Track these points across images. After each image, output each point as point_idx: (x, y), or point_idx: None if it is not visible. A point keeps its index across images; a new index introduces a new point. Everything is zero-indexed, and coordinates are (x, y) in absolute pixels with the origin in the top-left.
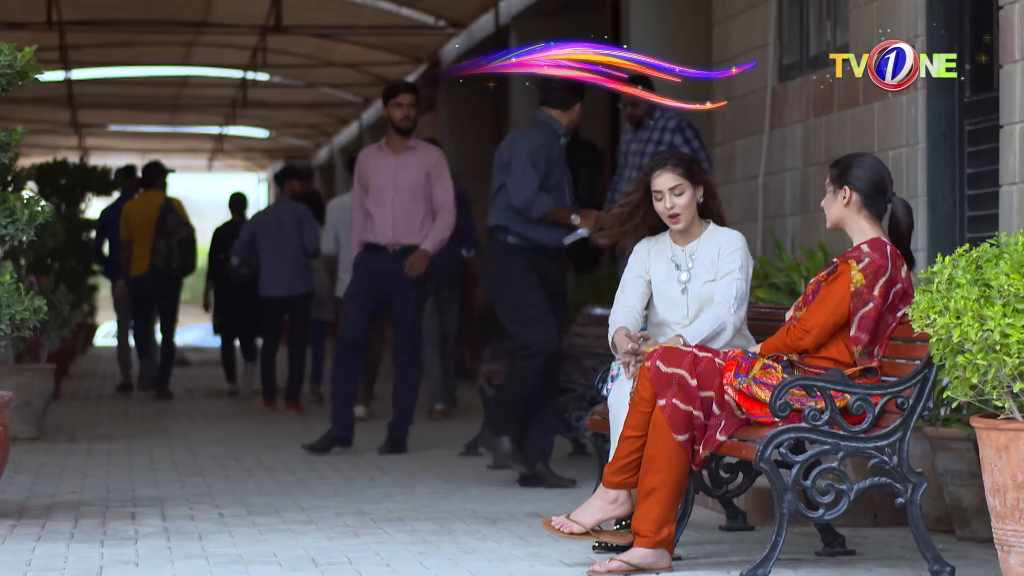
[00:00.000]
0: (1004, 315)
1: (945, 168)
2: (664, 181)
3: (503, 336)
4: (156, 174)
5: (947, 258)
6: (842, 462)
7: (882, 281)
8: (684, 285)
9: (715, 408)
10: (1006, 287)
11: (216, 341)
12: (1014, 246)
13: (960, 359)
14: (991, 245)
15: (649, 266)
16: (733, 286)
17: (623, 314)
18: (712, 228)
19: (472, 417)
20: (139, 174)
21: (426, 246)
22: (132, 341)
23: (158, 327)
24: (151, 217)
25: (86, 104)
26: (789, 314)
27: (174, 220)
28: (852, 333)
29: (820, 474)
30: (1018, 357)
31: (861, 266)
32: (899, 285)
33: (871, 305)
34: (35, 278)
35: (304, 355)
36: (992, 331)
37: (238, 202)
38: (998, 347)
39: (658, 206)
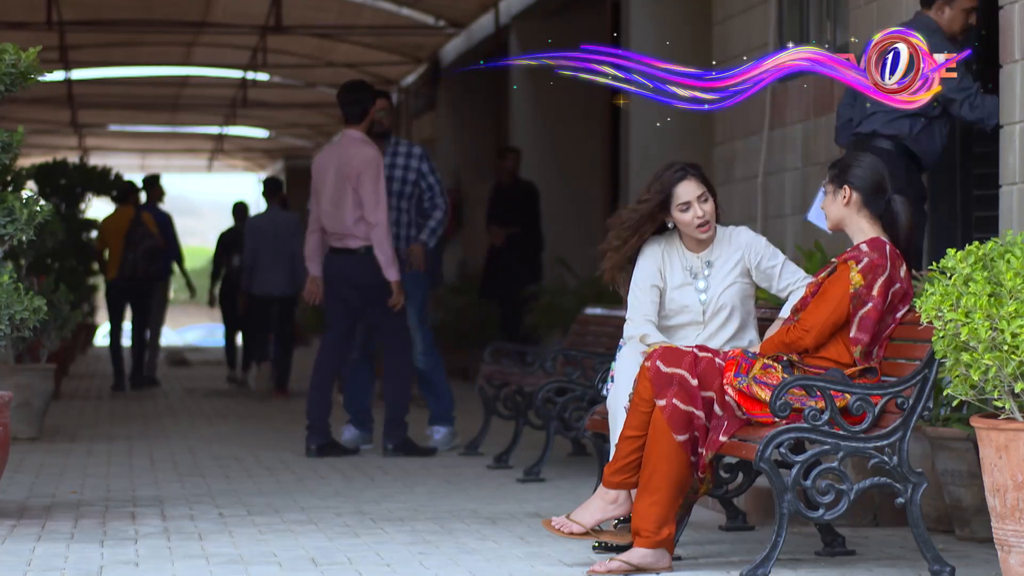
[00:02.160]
0: (1015, 315)
1: (945, 168)
2: (690, 190)
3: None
4: (128, 191)
5: (958, 253)
6: (842, 462)
7: (881, 280)
8: (702, 293)
9: (717, 409)
10: (1019, 286)
11: (216, 341)
12: (1020, 244)
13: (964, 356)
14: (996, 243)
15: (664, 272)
16: (797, 268)
17: (647, 327)
18: (721, 231)
19: (472, 417)
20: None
21: None
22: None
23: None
24: (122, 229)
25: (86, 104)
26: (786, 314)
27: (141, 232)
28: (852, 334)
29: (820, 474)
30: None
31: (860, 267)
32: (898, 285)
33: (870, 305)
34: (35, 278)
35: (291, 349)
36: (1003, 330)
37: (240, 210)
38: (1005, 346)
39: (685, 217)
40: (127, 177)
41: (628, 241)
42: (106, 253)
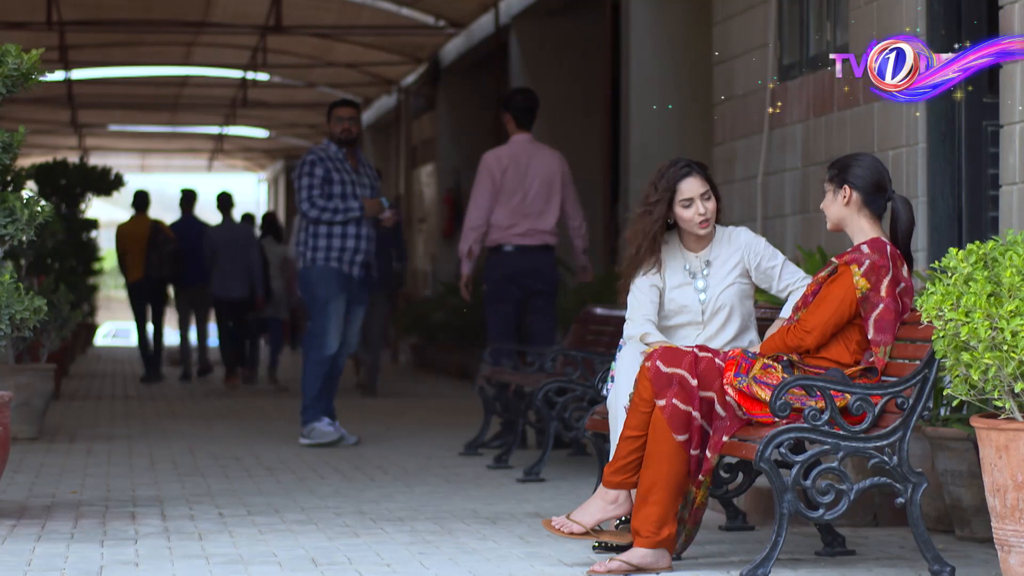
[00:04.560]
0: (1015, 314)
1: (945, 168)
2: (694, 187)
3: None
4: (144, 202)
5: (959, 252)
6: (842, 462)
7: (887, 280)
8: (701, 293)
9: (720, 409)
10: (1018, 285)
11: (214, 341)
12: (1022, 243)
13: (965, 356)
14: (996, 242)
15: (663, 272)
16: (796, 268)
17: (647, 327)
18: (720, 231)
19: (472, 417)
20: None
21: None
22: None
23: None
24: (143, 235)
25: (86, 104)
26: (786, 314)
27: (163, 237)
28: (871, 336)
29: (820, 474)
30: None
31: (862, 270)
32: (903, 284)
33: (883, 306)
34: (35, 278)
35: (244, 343)
36: (1003, 329)
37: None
38: (1005, 346)
39: (686, 213)
40: (127, 177)
41: (652, 248)
42: (124, 259)
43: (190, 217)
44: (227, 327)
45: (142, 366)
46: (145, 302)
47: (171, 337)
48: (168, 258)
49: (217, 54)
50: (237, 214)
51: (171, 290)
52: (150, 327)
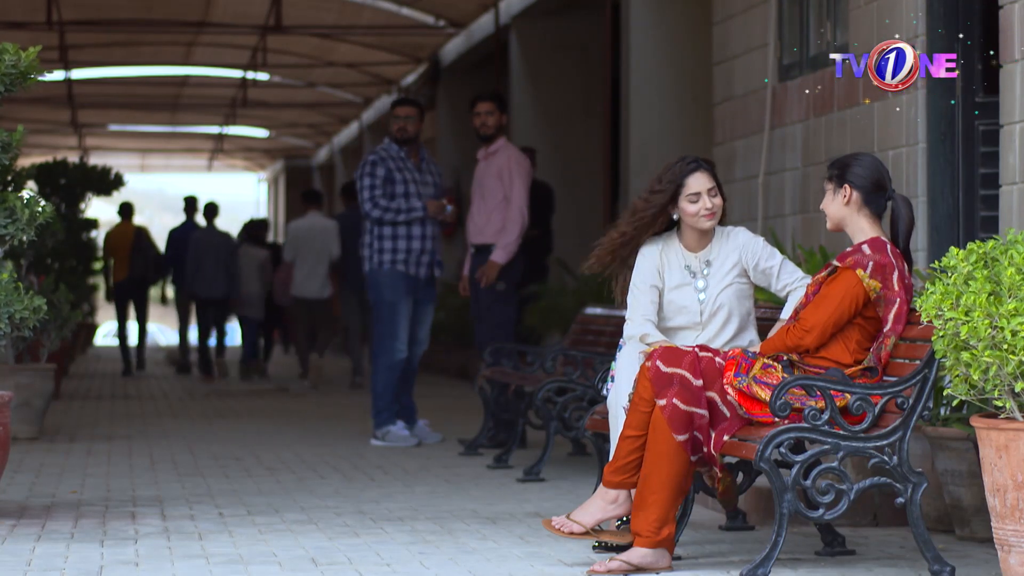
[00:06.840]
0: (1015, 313)
1: (945, 168)
2: (702, 182)
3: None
4: (130, 211)
5: (960, 252)
6: (842, 462)
7: (895, 276)
8: (701, 293)
9: (724, 409)
10: (1019, 284)
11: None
12: (1022, 242)
13: (965, 355)
14: (997, 242)
15: (662, 273)
16: (795, 268)
17: (647, 326)
18: (720, 231)
19: (472, 417)
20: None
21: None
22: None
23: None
24: (128, 240)
25: (86, 104)
26: (786, 315)
27: (147, 244)
28: (886, 328)
29: (820, 474)
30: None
31: (868, 272)
32: (906, 280)
33: (899, 301)
34: (35, 278)
35: (223, 340)
36: (1003, 328)
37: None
38: (1005, 345)
39: (692, 207)
40: (127, 177)
41: (641, 233)
42: (110, 261)
43: (192, 223)
44: (208, 325)
45: (122, 361)
46: (127, 301)
47: (169, 337)
48: (152, 262)
49: (217, 54)
50: (233, 219)
51: (166, 292)
52: (132, 324)
